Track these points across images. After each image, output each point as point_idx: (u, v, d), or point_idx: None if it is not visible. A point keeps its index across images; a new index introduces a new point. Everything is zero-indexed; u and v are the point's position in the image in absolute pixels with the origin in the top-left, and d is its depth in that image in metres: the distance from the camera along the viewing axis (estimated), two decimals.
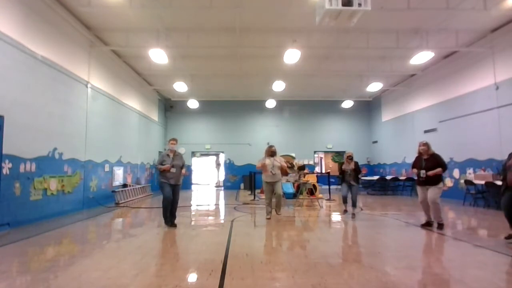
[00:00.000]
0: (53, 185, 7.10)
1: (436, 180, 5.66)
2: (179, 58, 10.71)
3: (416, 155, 6.04)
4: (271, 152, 6.92)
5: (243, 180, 16.71)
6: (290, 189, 10.94)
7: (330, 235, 5.51)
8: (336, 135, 17.58)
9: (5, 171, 5.59)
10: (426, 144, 5.87)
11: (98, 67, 9.39)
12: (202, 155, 18.81)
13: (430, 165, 5.68)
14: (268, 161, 6.80)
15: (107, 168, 9.95)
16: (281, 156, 12.35)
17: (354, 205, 7.17)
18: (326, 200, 10.80)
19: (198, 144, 17.32)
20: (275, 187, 6.85)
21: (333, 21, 5.29)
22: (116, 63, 10.79)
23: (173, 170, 5.91)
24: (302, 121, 17.51)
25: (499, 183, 8.06)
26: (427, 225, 5.90)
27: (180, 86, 12.30)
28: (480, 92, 9.46)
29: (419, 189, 5.94)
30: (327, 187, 11.95)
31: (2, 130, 5.56)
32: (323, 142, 17.53)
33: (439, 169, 5.57)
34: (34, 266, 3.64)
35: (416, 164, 5.95)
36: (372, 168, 17.07)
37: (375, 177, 14.17)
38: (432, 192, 5.65)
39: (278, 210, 7.02)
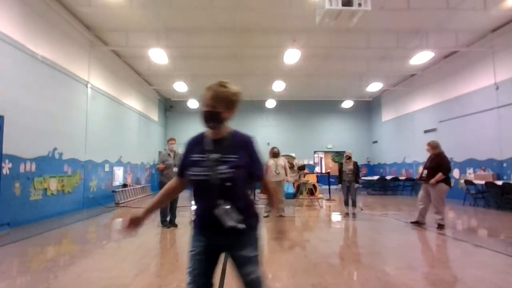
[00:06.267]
0: (53, 185, 7.10)
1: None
2: (179, 58, 10.70)
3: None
4: (274, 154, 7.15)
5: None
6: (290, 189, 10.92)
7: (330, 235, 5.51)
8: (336, 135, 17.56)
9: (5, 171, 5.59)
10: (429, 144, 5.94)
11: (98, 67, 9.39)
12: None
13: (432, 165, 5.74)
14: (271, 161, 7.02)
15: (107, 168, 9.94)
16: (282, 156, 12.44)
17: (354, 204, 7.17)
18: (326, 200, 10.80)
19: None
20: (277, 188, 6.93)
21: (333, 21, 5.30)
22: (116, 63, 10.79)
23: (175, 169, 5.92)
24: (302, 121, 17.50)
25: (499, 183, 8.10)
26: (416, 223, 5.95)
27: (180, 86, 12.32)
28: (480, 92, 9.45)
29: (422, 186, 6.04)
30: (327, 187, 11.94)
31: (2, 130, 5.56)
32: (323, 142, 17.52)
33: (438, 175, 5.59)
34: (34, 266, 3.64)
35: (426, 162, 6.05)
36: (372, 168, 17.06)
37: (375, 177, 14.18)
38: (434, 190, 5.69)
39: (279, 211, 7.04)
